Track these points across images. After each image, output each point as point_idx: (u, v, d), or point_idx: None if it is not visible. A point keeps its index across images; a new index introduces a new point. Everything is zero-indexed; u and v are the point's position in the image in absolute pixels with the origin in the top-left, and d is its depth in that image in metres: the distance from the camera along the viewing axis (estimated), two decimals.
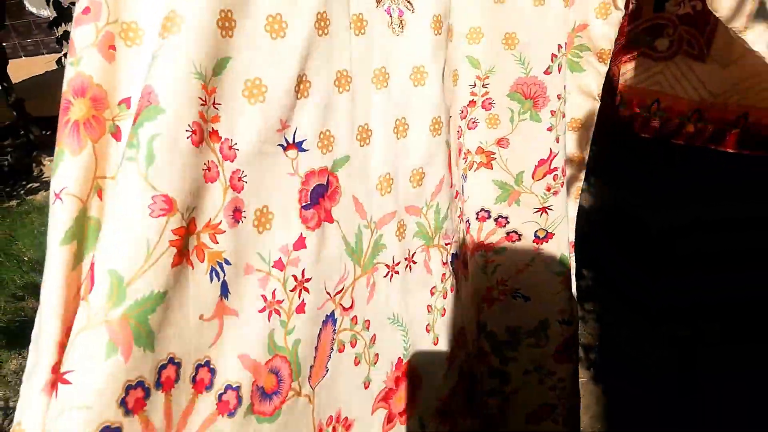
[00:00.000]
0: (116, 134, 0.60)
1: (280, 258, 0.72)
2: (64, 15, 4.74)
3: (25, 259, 3.26)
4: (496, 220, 1.05)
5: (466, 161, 1.01)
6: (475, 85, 0.96)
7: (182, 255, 0.57)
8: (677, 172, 2.11)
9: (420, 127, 0.85)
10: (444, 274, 0.93)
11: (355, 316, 0.85)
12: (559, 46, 0.90)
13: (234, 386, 0.67)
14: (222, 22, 0.58)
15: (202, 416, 0.64)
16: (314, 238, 0.75)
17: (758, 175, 1.51)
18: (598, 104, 0.97)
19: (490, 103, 0.98)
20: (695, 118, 1.08)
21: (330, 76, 0.71)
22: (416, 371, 0.93)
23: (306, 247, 0.74)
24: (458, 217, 1.00)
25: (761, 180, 1.59)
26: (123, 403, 0.52)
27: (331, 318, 0.80)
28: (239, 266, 0.68)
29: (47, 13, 8.02)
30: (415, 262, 0.92)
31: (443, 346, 0.96)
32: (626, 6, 0.92)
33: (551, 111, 0.94)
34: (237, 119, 0.63)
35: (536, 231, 1.04)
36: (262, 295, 0.70)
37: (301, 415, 0.76)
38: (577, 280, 1.08)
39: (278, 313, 0.72)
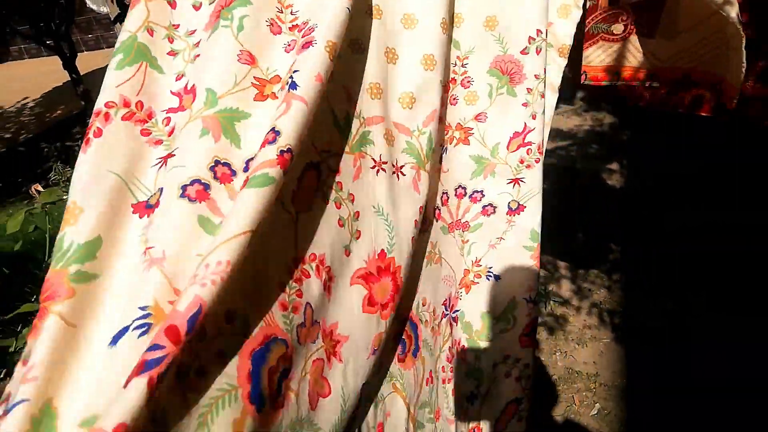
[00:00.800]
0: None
1: None
2: (127, 11, 5.09)
3: None
4: (470, 196, 1.06)
5: (447, 134, 1.05)
6: (455, 64, 1.02)
7: (262, 95, 0.76)
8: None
9: (410, 59, 0.92)
10: (438, 206, 0.97)
11: (341, 182, 0.89)
12: (538, 31, 0.97)
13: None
14: None
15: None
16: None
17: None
18: (557, 96, 1.04)
19: (468, 81, 1.03)
20: (650, 82, 1.31)
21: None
22: (398, 274, 0.94)
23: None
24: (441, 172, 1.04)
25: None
26: (212, 169, 0.68)
27: (314, 167, 0.85)
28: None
29: (106, 9, 8.48)
30: (403, 174, 0.95)
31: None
32: (584, 5, 1.02)
33: (527, 88, 0.99)
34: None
35: (509, 202, 1.03)
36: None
37: (282, 222, 0.79)
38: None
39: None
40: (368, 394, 1.00)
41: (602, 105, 4.28)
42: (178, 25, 0.79)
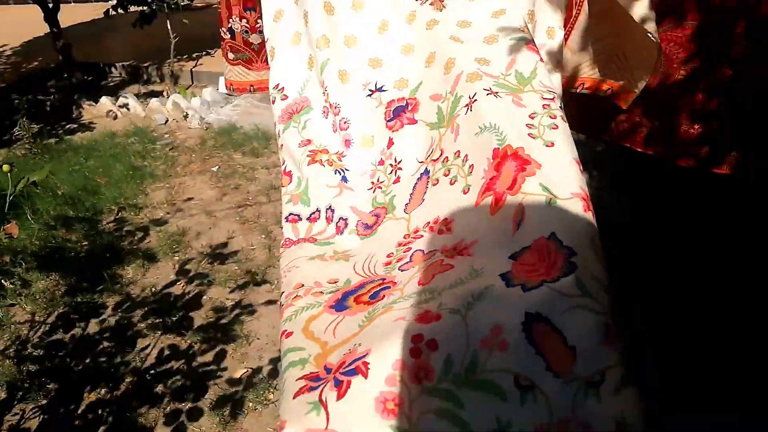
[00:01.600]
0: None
1: (381, 159, 1.11)
2: None
3: (60, 193, 3.55)
4: None
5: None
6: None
7: (318, 162, 1.12)
8: None
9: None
10: (546, 105, 0.94)
11: (447, 157, 1.00)
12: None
13: (344, 218, 1.07)
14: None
15: (325, 234, 1.07)
16: (400, 135, 1.10)
17: None
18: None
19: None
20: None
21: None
22: (521, 152, 0.89)
23: (395, 144, 1.10)
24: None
25: None
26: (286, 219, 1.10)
27: (425, 173, 1.04)
28: (357, 171, 1.11)
29: None
30: (500, 97, 0.98)
31: (559, 149, 0.90)
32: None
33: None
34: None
35: None
36: (371, 182, 1.10)
37: (395, 226, 1.02)
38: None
39: (380, 188, 1.09)
40: None
41: None
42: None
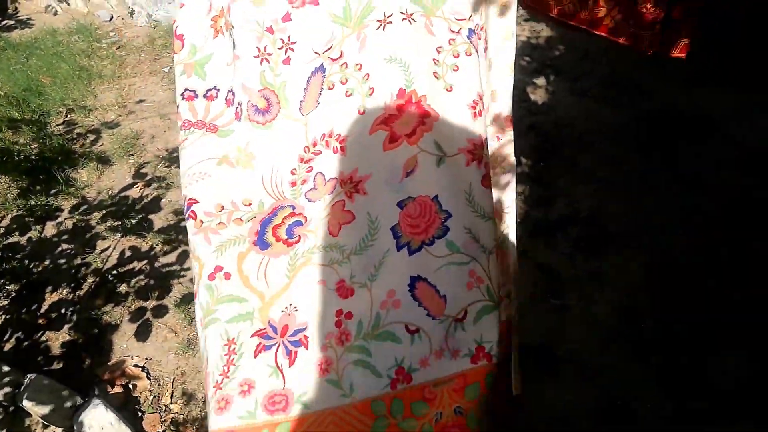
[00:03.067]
0: None
1: (270, 26, 1.03)
2: None
3: (2, 93, 3.37)
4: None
5: None
6: None
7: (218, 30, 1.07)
8: None
9: None
10: (452, 39, 1.02)
11: (345, 63, 1.03)
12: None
13: (240, 102, 1.05)
14: None
15: (225, 118, 1.07)
16: (299, 13, 1.03)
17: None
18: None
19: None
20: None
21: None
22: (423, 101, 1.02)
23: (291, 20, 1.03)
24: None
25: None
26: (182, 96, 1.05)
27: (320, 69, 1.04)
28: (243, 28, 1.03)
29: None
30: (414, 21, 1.04)
31: (456, 95, 1.02)
32: None
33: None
34: None
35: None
36: (256, 47, 1.03)
37: (293, 129, 1.05)
38: None
39: (267, 61, 1.03)
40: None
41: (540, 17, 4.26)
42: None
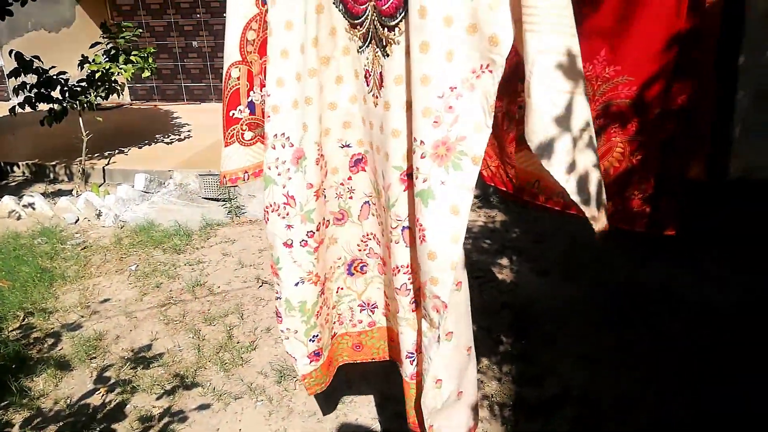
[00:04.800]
0: None
1: (342, 182, 1.68)
2: (25, 66, 4.87)
3: None
4: None
5: None
6: None
7: (321, 197, 1.67)
8: None
9: None
10: None
11: (379, 211, 1.64)
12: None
13: (328, 219, 1.73)
14: None
15: (326, 234, 1.76)
16: (355, 176, 1.68)
17: None
18: (471, 195, 1.26)
19: None
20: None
21: None
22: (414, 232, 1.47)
23: (351, 180, 1.67)
24: None
25: None
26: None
27: (367, 203, 1.68)
28: (330, 189, 1.71)
29: (0, 62, 8.06)
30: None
31: None
32: (493, 126, 1.25)
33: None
34: None
35: None
36: (335, 193, 1.69)
37: (354, 229, 1.73)
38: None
39: (341, 197, 1.68)
40: None
41: (493, 202, 4.57)
42: None
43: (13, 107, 5.00)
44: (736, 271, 3.25)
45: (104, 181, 5.36)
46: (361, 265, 1.76)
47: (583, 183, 1.17)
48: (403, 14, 1.24)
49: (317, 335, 1.70)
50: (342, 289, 1.80)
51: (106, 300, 3.36)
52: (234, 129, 1.65)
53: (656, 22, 1.40)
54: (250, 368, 2.70)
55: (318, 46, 1.41)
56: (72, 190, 5.09)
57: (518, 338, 2.82)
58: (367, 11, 1.33)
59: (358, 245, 1.73)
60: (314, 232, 1.57)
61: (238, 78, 1.60)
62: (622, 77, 1.46)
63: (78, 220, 4.45)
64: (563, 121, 1.11)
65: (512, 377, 2.53)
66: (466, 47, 1.16)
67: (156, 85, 7.88)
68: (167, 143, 6.05)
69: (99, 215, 4.45)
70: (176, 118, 7.10)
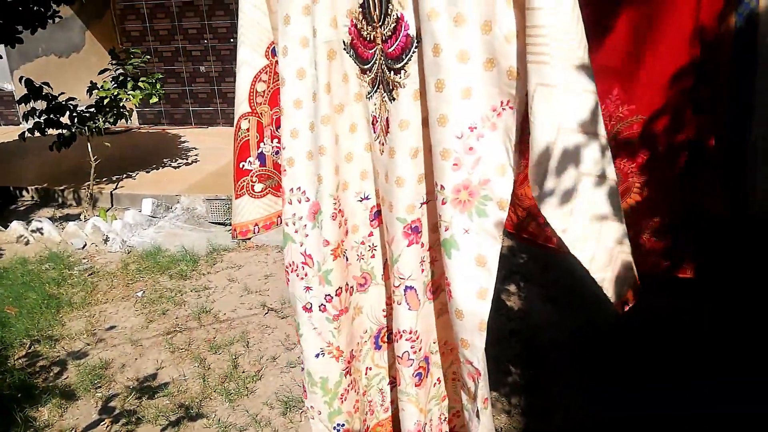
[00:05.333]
0: None
1: (362, 240, 1.53)
2: (35, 93, 4.94)
3: None
4: None
5: None
6: None
7: (339, 256, 1.50)
8: None
9: None
10: None
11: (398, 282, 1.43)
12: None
13: (351, 285, 1.54)
14: None
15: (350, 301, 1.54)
16: (376, 230, 1.54)
17: None
18: (499, 245, 1.15)
19: None
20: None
21: None
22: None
23: (372, 235, 1.52)
24: None
25: None
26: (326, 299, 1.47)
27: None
28: (350, 250, 1.55)
29: (11, 87, 8.17)
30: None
31: None
32: (518, 165, 1.17)
33: None
34: None
35: None
36: (356, 254, 1.53)
37: (379, 291, 1.56)
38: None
39: (363, 258, 1.53)
40: None
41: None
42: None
43: (23, 133, 5.05)
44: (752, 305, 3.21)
45: (112, 206, 5.38)
46: (387, 333, 1.58)
47: (602, 255, 1.09)
48: (409, 56, 1.22)
49: (343, 425, 1.52)
50: (371, 369, 1.61)
51: (112, 327, 3.36)
52: (244, 181, 1.62)
53: (669, 58, 1.38)
54: (256, 399, 2.68)
55: (331, 93, 1.34)
56: (80, 214, 5.12)
57: (526, 367, 2.79)
58: (375, 55, 1.30)
59: (383, 310, 1.56)
60: (332, 297, 1.44)
61: (248, 129, 1.57)
62: (636, 116, 1.44)
63: (86, 245, 4.46)
64: (573, 167, 1.03)
65: (521, 410, 2.50)
66: (484, 83, 1.11)
67: (164, 109, 7.95)
68: (175, 167, 6.08)
69: (106, 240, 4.46)
70: (184, 141, 7.14)
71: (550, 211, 1.08)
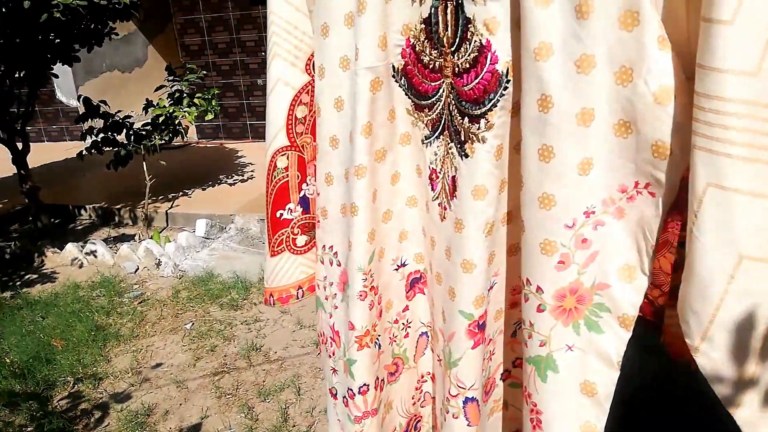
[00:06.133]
0: None
1: (396, 318, 1.24)
2: (92, 111, 4.89)
3: (7, 361, 3.10)
4: None
5: None
6: None
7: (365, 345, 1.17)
8: None
9: None
10: None
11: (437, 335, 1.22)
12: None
13: (382, 378, 1.23)
14: None
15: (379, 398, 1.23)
16: (413, 302, 1.25)
17: None
18: (617, 374, 0.85)
19: None
20: None
21: None
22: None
23: (408, 309, 1.24)
24: None
25: None
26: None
27: (425, 334, 1.26)
28: (382, 334, 1.25)
29: (76, 103, 8.32)
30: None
31: None
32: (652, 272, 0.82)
33: None
34: None
35: None
36: (389, 338, 1.24)
37: (411, 375, 1.27)
38: None
39: (395, 341, 1.24)
40: None
41: None
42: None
43: (81, 152, 5.01)
44: None
45: (167, 225, 5.27)
46: (416, 421, 1.32)
47: None
48: (495, 101, 0.88)
49: None
50: None
51: (158, 365, 3.16)
52: (283, 234, 1.28)
53: None
54: None
55: (372, 137, 1.01)
56: (135, 234, 5.02)
57: None
58: (441, 90, 0.96)
59: (413, 396, 1.29)
60: (355, 393, 1.15)
61: (286, 168, 1.23)
62: None
63: (138, 269, 4.33)
64: (760, 318, 0.65)
65: None
66: (612, 155, 0.77)
67: (222, 123, 7.89)
68: (230, 184, 5.94)
69: (158, 264, 4.31)
70: (240, 157, 7.03)
71: (714, 378, 0.70)
